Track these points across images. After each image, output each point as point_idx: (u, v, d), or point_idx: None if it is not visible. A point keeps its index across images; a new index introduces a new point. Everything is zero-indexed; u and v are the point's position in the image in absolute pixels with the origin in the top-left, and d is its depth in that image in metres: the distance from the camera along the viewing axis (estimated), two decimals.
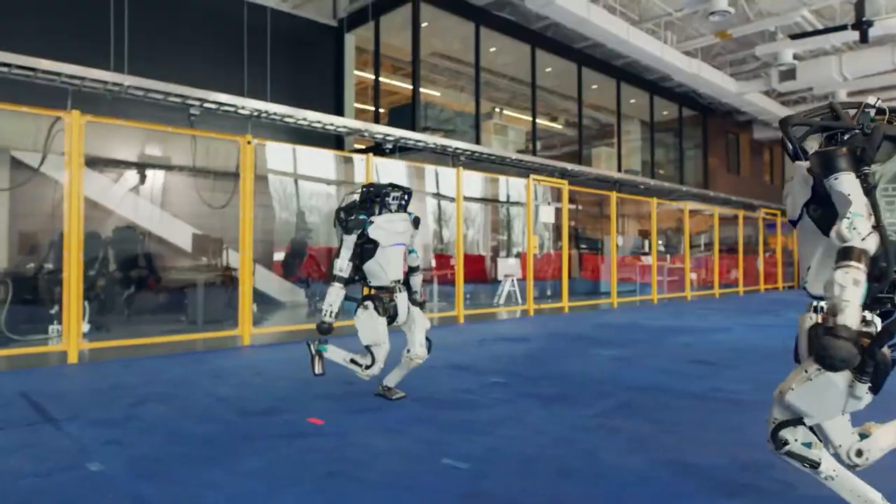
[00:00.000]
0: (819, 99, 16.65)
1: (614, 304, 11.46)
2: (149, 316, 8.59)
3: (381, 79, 14.21)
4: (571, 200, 16.43)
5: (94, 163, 10.31)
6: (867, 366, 1.81)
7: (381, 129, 10.65)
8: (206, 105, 8.67)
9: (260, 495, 2.38)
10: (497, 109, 15.31)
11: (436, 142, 11.27)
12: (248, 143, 6.67)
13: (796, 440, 1.97)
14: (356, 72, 14.06)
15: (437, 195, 13.51)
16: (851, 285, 1.76)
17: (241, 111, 9.06)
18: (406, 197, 3.83)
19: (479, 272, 15.20)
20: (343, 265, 3.61)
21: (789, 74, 13.71)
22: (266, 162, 11.80)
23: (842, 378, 1.85)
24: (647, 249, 17.17)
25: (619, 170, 16.16)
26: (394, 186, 3.81)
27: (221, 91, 9.26)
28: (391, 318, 3.78)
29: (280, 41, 12.06)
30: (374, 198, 3.73)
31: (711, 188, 18.24)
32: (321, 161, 12.11)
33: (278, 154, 11.58)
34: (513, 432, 3.22)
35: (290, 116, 9.44)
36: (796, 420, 1.98)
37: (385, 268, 3.72)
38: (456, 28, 13.40)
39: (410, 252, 4.04)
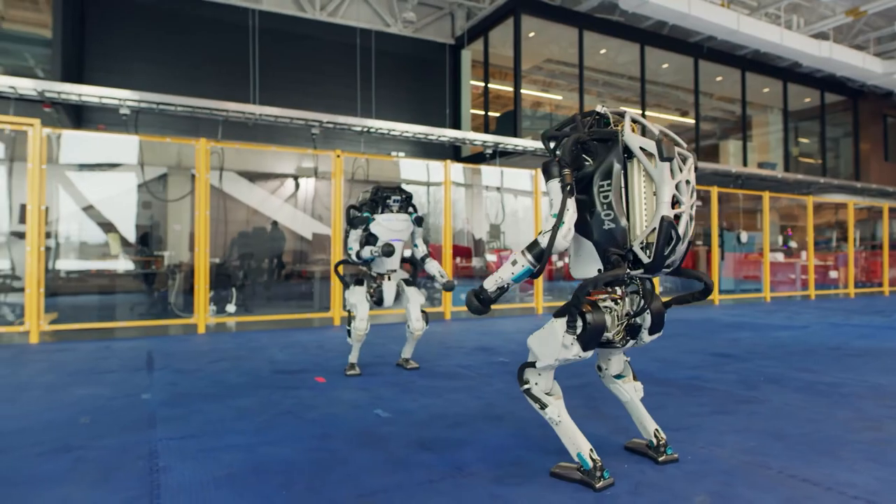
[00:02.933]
0: None
1: (716, 301, 10.86)
2: (294, 301, 10.08)
3: (500, 87, 14.79)
4: None
5: (254, 177, 12.28)
6: (573, 321, 2.15)
7: (475, 137, 11.24)
8: (324, 125, 9.95)
9: (226, 419, 3.17)
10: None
11: (532, 145, 11.56)
12: (338, 156, 7.70)
13: (536, 384, 2.32)
14: (476, 82, 14.79)
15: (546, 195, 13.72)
16: (509, 264, 2.19)
17: (353, 128, 10.23)
18: (407, 199, 4.41)
19: None
20: (355, 248, 4.31)
21: None
22: (400, 172, 13.05)
23: (560, 329, 2.19)
24: (783, 246, 15.75)
25: (745, 163, 14.98)
26: (399, 190, 4.41)
27: (342, 113, 10.54)
28: (378, 301, 4.41)
29: (402, 62, 13.19)
30: (378, 199, 4.36)
31: (863, 178, 16.07)
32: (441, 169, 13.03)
33: (413, 165, 12.70)
34: (457, 396, 3.68)
35: (394, 130, 10.42)
36: (531, 362, 2.33)
37: (379, 259, 4.35)
38: (566, 34, 13.51)
39: (415, 246, 4.61)
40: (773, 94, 15.74)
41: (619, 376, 2.55)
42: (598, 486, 2.16)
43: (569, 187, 2.14)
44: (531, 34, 13.22)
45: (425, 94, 13.78)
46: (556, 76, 16.01)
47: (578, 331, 2.15)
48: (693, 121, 16.87)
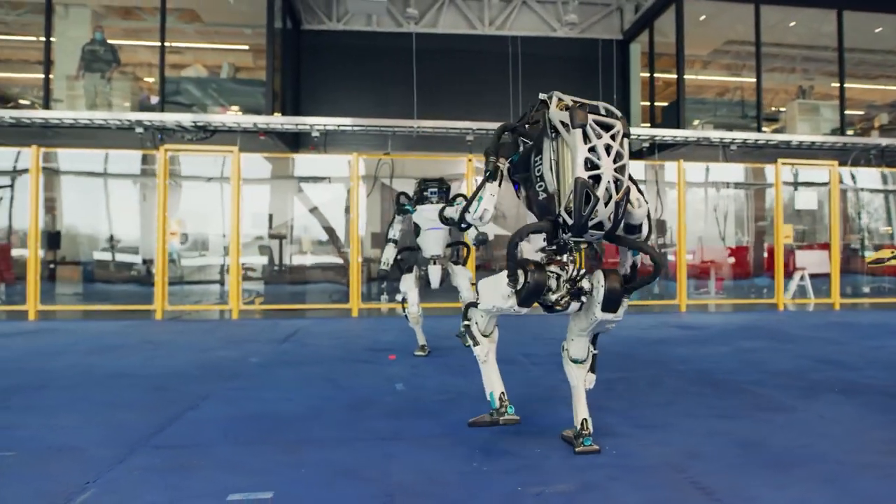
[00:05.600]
0: None
1: None
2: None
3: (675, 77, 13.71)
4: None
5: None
6: (513, 275, 2.26)
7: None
8: (475, 132, 10.40)
9: (283, 379, 3.81)
10: (804, 87, 12.87)
11: (695, 135, 10.53)
12: (469, 160, 8.10)
13: (476, 323, 2.52)
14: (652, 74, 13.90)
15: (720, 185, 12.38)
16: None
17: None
18: (445, 189, 4.53)
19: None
20: (393, 233, 4.70)
21: None
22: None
23: (503, 280, 2.31)
24: None
25: None
26: (438, 182, 4.56)
27: (501, 120, 10.93)
28: (427, 283, 4.66)
29: (568, 64, 13.10)
30: (420, 192, 4.57)
31: None
32: None
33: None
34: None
35: None
36: (475, 302, 2.53)
37: (424, 246, 4.60)
38: (745, 12, 11.99)
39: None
40: None
41: (577, 361, 2.54)
42: (501, 420, 2.32)
43: (488, 173, 2.32)
44: (702, 17, 11.98)
45: (593, 91, 13.40)
46: (744, 57, 14.19)
47: (518, 285, 2.26)
48: None
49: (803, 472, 2.16)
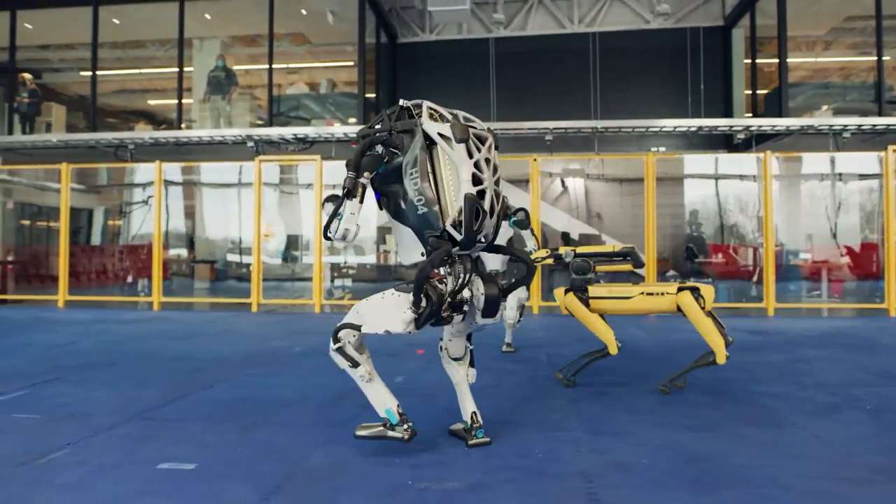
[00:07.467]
0: None
1: None
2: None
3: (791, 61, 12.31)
4: None
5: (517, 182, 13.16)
6: (419, 301, 2.13)
7: (713, 123, 9.75)
8: (553, 131, 10.12)
9: (301, 367, 4.07)
10: None
11: (797, 123, 9.35)
12: (534, 160, 7.92)
13: (349, 342, 2.29)
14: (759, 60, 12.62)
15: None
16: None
17: (583, 130, 10.12)
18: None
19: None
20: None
21: None
22: (683, 168, 12.43)
23: (403, 305, 2.16)
24: None
25: None
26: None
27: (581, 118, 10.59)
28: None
29: (661, 56, 12.32)
30: None
31: None
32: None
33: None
34: (485, 375, 3.76)
35: (625, 126, 9.88)
36: (354, 325, 2.29)
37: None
38: None
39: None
40: None
41: (456, 359, 2.52)
42: (406, 437, 2.21)
43: (346, 190, 2.16)
44: None
45: (682, 83, 12.41)
46: (871, 34, 12.34)
47: (421, 309, 2.16)
48: None
49: (730, 495, 1.90)
